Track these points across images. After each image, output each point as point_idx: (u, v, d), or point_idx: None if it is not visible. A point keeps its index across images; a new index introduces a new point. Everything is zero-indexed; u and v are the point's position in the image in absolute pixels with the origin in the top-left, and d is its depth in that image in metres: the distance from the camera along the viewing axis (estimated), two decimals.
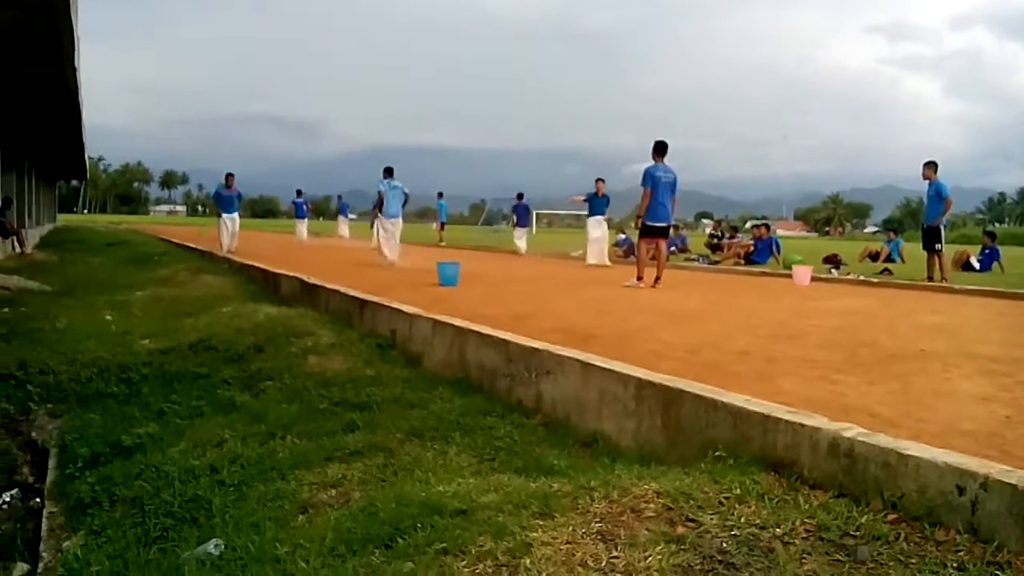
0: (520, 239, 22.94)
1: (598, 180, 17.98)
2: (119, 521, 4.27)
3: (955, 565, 2.51)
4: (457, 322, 6.34)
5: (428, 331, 6.62)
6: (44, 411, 6.54)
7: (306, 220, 30.70)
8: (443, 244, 27.56)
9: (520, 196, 24.36)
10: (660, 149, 11.37)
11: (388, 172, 15.71)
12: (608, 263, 17.43)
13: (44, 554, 4.30)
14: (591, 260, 17.63)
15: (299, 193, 31.85)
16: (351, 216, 37.03)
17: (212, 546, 3.50)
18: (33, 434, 6.19)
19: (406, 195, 15.80)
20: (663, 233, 11.72)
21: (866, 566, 2.55)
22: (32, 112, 21.61)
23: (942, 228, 13.47)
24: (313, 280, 10.37)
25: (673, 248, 21.23)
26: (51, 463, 5.63)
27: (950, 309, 9.41)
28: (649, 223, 11.41)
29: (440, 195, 31.68)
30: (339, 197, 38.54)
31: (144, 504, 4.34)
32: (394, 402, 5.48)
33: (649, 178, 11.22)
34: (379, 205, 15.71)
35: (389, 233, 15.60)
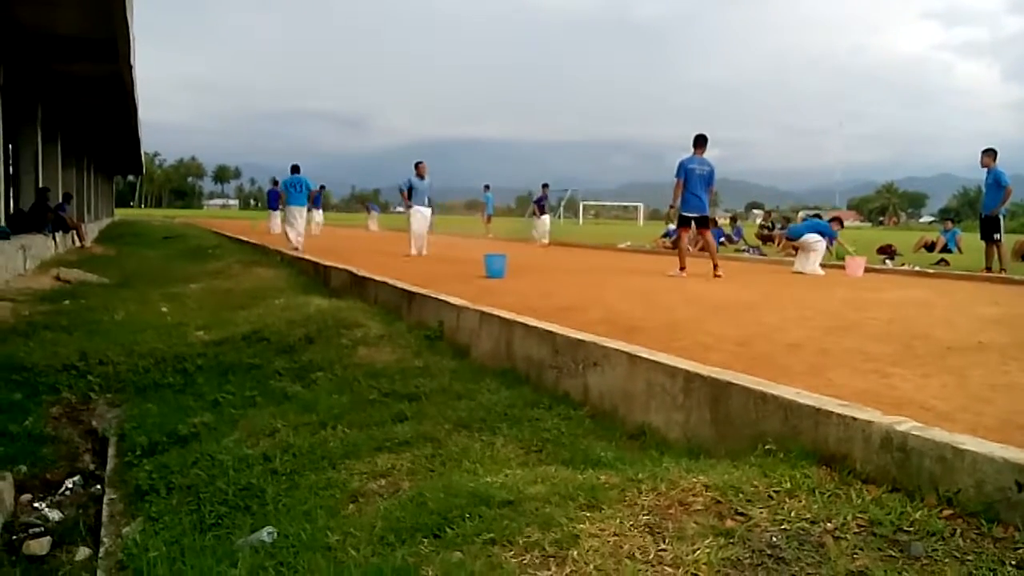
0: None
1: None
2: (176, 508, 4.37)
3: (1013, 563, 2.45)
4: (504, 314, 6.35)
5: (475, 323, 6.65)
6: (104, 401, 6.72)
7: (278, 212, 25.96)
8: (490, 236, 27.63)
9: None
10: (700, 142, 11.60)
11: (295, 169, 18.72)
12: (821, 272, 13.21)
13: (105, 539, 4.42)
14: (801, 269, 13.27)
15: (275, 183, 28.30)
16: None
17: (265, 534, 3.56)
18: (94, 423, 6.36)
19: (310, 189, 19.05)
20: (701, 223, 11.87)
21: (920, 562, 2.50)
22: (91, 109, 22.20)
23: (1001, 217, 13.11)
24: (363, 273, 10.49)
25: (722, 239, 21.01)
26: (111, 451, 5.78)
27: (1009, 300, 9.16)
28: (683, 213, 11.69)
29: (487, 187, 31.74)
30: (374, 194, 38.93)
31: (200, 492, 4.44)
32: (442, 393, 5.52)
33: (682, 170, 11.46)
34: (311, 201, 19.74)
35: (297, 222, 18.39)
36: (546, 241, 23.88)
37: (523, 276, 11.22)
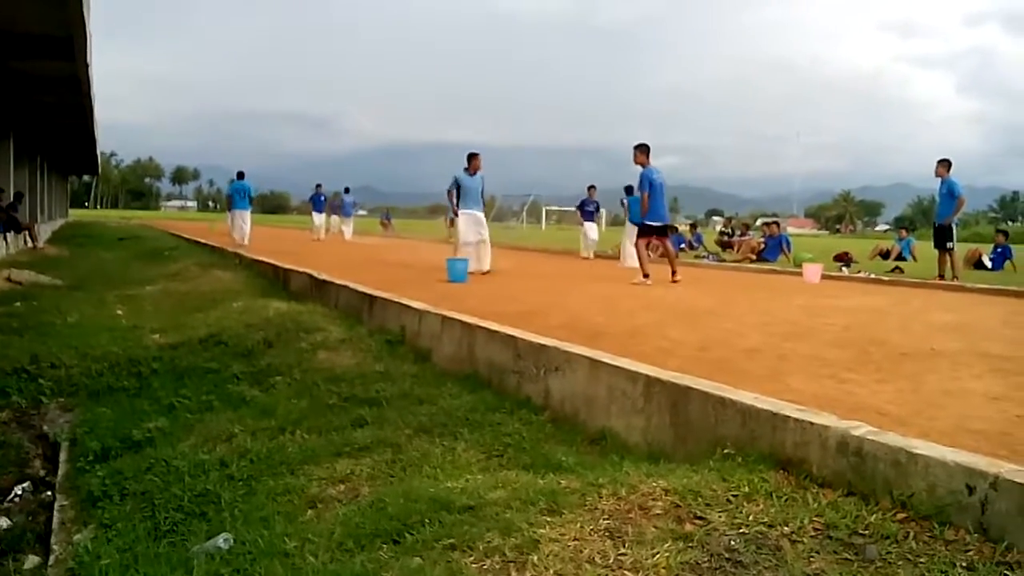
0: (346, 226, 28.48)
1: None
2: (129, 515, 4.28)
3: (964, 565, 2.50)
4: (466, 318, 6.34)
5: (437, 327, 6.63)
6: (55, 405, 6.58)
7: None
8: (453, 240, 27.57)
9: (347, 190, 29.89)
10: (646, 150, 11.72)
11: (240, 176, 21.93)
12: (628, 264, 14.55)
13: (55, 547, 4.32)
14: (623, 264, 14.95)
15: (240, 175, 23.52)
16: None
17: (221, 540, 3.51)
18: (44, 428, 6.22)
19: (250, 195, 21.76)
20: (664, 232, 12.20)
21: (875, 565, 2.54)
22: (45, 107, 21.73)
23: (954, 226, 13.41)
24: (323, 276, 10.39)
25: (683, 245, 21.23)
26: (62, 456, 5.66)
27: (961, 308, 9.36)
28: (650, 223, 11.84)
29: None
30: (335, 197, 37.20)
31: (154, 498, 4.36)
32: (403, 398, 5.48)
33: (647, 182, 11.59)
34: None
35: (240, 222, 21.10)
36: (586, 255, 19.59)
37: (485, 281, 11.22)
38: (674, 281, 11.60)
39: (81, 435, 5.76)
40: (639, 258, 12.16)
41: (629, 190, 17.22)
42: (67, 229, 37.40)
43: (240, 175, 21.87)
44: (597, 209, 20.46)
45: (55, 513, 4.79)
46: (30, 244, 20.86)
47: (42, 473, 5.68)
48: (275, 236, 27.99)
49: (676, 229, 24.00)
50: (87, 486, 4.89)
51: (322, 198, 28.15)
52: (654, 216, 11.75)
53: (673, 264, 12.11)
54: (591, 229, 20.01)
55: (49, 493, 5.29)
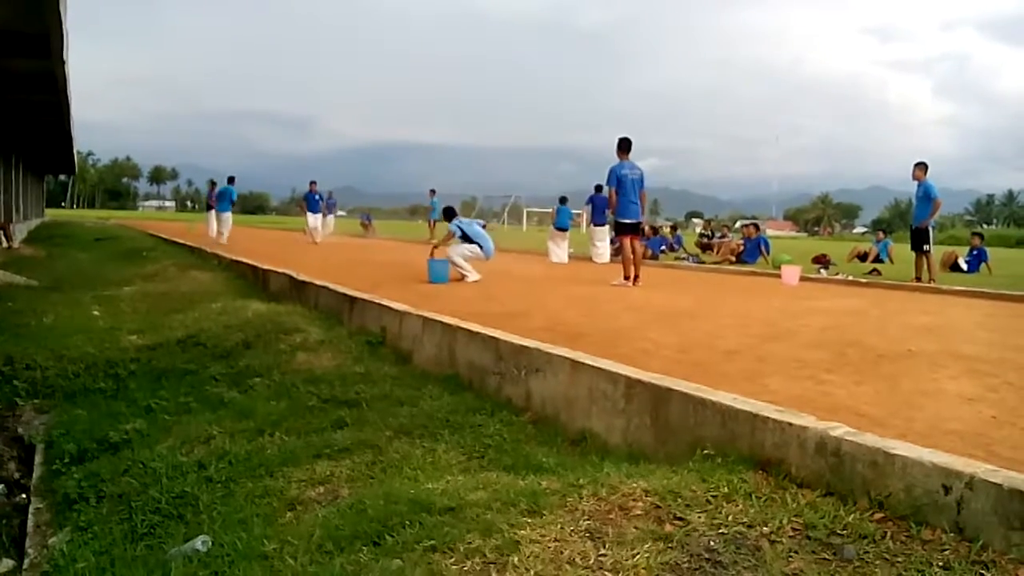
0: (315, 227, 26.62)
1: None
2: (106, 517, 4.25)
3: (940, 564, 2.53)
4: (447, 319, 6.33)
5: (418, 328, 6.61)
6: (31, 407, 6.51)
7: (214, 212, 23.81)
8: (435, 241, 27.49)
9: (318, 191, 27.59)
10: (625, 146, 11.44)
11: (231, 180, 23.60)
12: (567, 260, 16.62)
13: (30, 550, 4.28)
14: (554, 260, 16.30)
15: (214, 184, 24.99)
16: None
17: (199, 543, 3.49)
18: (19, 430, 6.15)
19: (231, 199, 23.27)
20: (634, 230, 11.80)
21: (852, 565, 2.56)
22: (20, 105, 21.47)
23: (930, 229, 13.52)
24: (303, 277, 10.33)
25: (663, 247, 21.30)
26: (37, 459, 5.60)
27: (938, 310, 9.45)
28: (620, 220, 11.59)
29: (432, 192, 31.65)
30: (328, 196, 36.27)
31: (131, 500, 4.33)
32: (383, 399, 5.47)
33: (614, 178, 11.32)
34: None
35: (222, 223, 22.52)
36: (600, 261, 17.23)
37: (467, 282, 11.19)
38: (633, 284, 11.31)
39: (57, 437, 5.71)
40: (623, 259, 12.00)
41: (563, 200, 19.53)
42: (43, 229, 36.99)
43: (231, 180, 23.70)
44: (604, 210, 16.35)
45: (30, 516, 4.74)
46: (5, 244, 20.63)
47: (17, 476, 5.62)
48: (256, 237, 27.83)
49: (657, 231, 24.11)
50: (63, 488, 4.84)
51: (316, 197, 26.43)
52: (623, 213, 11.43)
53: (638, 268, 11.60)
54: (597, 233, 17.83)
55: (24, 496, 5.24)
